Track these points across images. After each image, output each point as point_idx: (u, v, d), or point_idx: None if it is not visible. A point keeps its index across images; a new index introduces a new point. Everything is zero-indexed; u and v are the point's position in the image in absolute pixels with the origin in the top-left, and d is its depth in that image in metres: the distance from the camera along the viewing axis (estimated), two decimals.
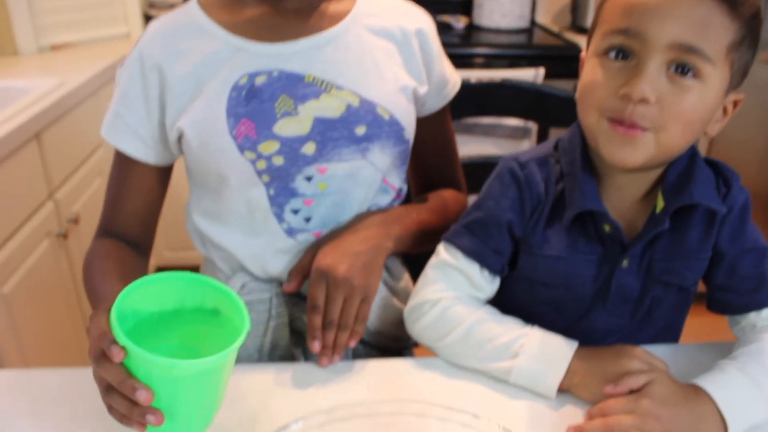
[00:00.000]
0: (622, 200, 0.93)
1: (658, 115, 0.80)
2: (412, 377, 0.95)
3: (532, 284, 1.00)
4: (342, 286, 0.93)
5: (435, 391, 0.91)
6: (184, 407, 0.75)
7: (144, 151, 1.01)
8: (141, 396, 0.69)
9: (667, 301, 0.97)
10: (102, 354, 0.70)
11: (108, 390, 0.72)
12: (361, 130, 0.99)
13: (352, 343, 0.95)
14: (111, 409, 0.74)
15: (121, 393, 0.71)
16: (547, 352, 0.90)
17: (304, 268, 1.01)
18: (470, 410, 0.80)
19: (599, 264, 0.95)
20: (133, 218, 1.05)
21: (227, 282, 1.08)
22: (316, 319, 0.94)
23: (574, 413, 0.87)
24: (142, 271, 1.04)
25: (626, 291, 0.95)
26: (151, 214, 1.07)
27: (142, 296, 0.75)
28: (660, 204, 0.90)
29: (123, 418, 0.73)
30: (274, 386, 0.91)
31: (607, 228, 0.92)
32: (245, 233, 1.04)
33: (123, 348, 0.68)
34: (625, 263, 0.93)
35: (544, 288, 0.99)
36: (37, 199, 1.73)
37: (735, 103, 0.87)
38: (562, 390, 0.89)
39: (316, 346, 0.94)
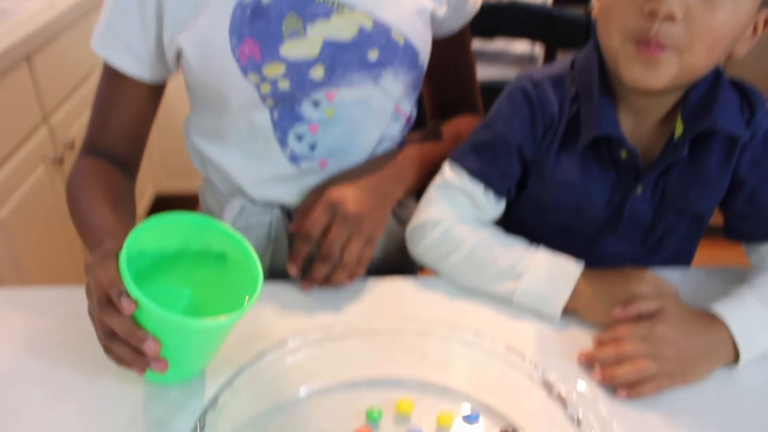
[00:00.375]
0: (639, 124, 0.89)
1: (685, 33, 0.76)
2: (413, 297, 0.93)
3: (541, 209, 0.97)
4: (350, 222, 0.90)
5: (437, 311, 0.90)
6: (190, 356, 0.74)
7: (137, 67, 0.95)
8: (149, 348, 0.67)
9: (680, 229, 0.95)
10: (108, 301, 0.68)
11: (110, 336, 0.70)
12: (373, 55, 0.93)
13: (347, 282, 0.92)
14: (110, 352, 0.72)
15: (125, 341, 0.69)
16: (552, 272, 0.88)
17: (312, 207, 0.97)
18: (473, 329, 0.78)
19: (612, 190, 0.92)
20: (121, 137, 1.00)
21: (226, 204, 1.06)
22: (302, 247, 0.92)
23: (579, 335, 0.86)
24: (130, 194, 1.00)
25: (638, 218, 0.93)
26: (140, 133, 1.02)
27: (147, 237, 0.72)
28: (679, 129, 0.86)
29: (122, 362, 0.71)
30: (271, 305, 0.90)
31: (623, 154, 0.88)
32: (246, 156, 1.00)
33: (134, 301, 0.66)
34: (639, 190, 0.90)
35: (554, 213, 0.96)
36: (30, 123, 1.69)
37: (766, 21, 0.82)
38: (567, 312, 0.88)
39: (293, 270, 0.93)
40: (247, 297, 0.72)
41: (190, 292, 0.80)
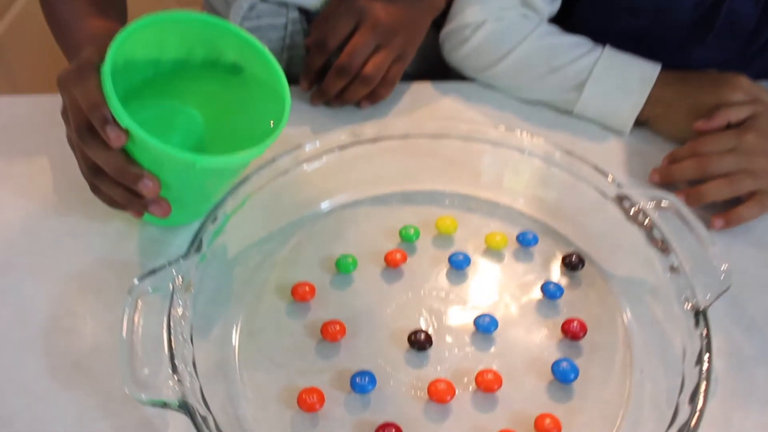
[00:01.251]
0: None
1: None
2: (455, 102, 0.79)
3: (611, 9, 0.80)
4: (379, 31, 0.73)
5: (483, 120, 0.75)
6: (198, 197, 0.59)
7: None
8: (146, 188, 0.52)
9: None
10: (89, 129, 0.51)
11: (95, 172, 0.54)
12: None
13: (366, 104, 0.77)
14: (97, 191, 0.57)
15: (114, 180, 0.54)
16: (623, 75, 0.73)
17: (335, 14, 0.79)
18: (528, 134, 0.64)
19: None
20: None
21: (233, 1, 0.87)
22: (317, 58, 0.76)
23: (652, 152, 0.72)
24: None
25: (738, 21, 0.75)
26: None
27: (138, 43, 0.54)
28: None
29: (113, 204, 0.57)
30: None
31: None
32: None
33: (124, 130, 0.50)
34: None
35: (627, 15, 0.79)
36: None
37: None
38: (639, 123, 0.74)
39: (304, 85, 0.78)
40: (272, 122, 0.56)
41: (194, 115, 0.63)
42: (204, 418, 0.44)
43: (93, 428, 0.49)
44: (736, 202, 0.64)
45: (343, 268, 0.59)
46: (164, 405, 0.44)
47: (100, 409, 0.50)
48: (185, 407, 0.44)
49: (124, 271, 0.60)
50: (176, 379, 0.45)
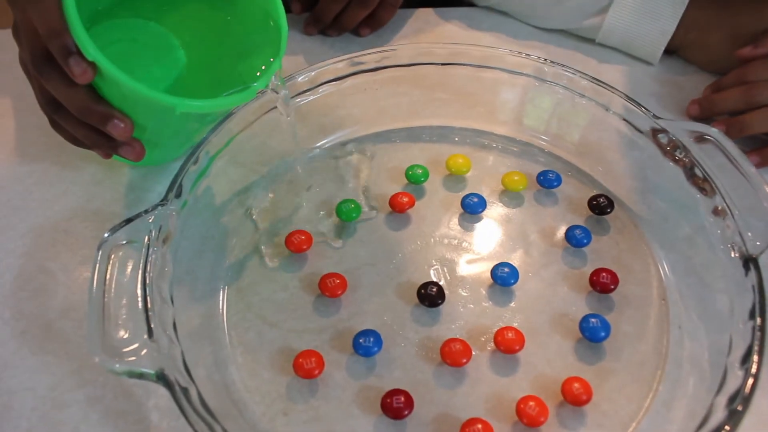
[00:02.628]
0: None
1: None
2: (466, 30, 0.72)
3: None
4: None
5: (493, 44, 0.68)
6: (172, 139, 0.53)
7: None
8: (117, 129, 0.45)
9: None
10: (47, 59, 0.43)
11: (56, 108, 0.48)
12: None
13: (366, 31, 0.69)
14: (57, 127, 0.50)
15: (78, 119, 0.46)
16: None
17: None
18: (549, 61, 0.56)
19: None
20: None
21: None
22: None
23: (687, 84, 0.65)
24: None
25: None
26: None
27: None
28: None
29: (77, 143, 0.50)
30: None
31: None
32: None
33: (91, 64, 0.42)
34: None
35: None
36: None
37: None
38: (670, 51, 0.66)
39: (297, 6, 0.71)
40: (263, 68, 0.48)
41: (174, 40, 0.55)
42: (185, 390, 0.38)
43: (66, 399, 0.44)
44: None
45: (344, 215, 0.53)
46: (141, 376, 0.38)
47: (74, 376, 0.45)
48: (163, 378, 0.38)
49: (100, 222, 0.54)
50: (153, 345, 0.39)
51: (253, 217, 0.53)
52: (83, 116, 0.45)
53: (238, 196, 0.54)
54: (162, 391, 0.38)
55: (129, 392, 0.44)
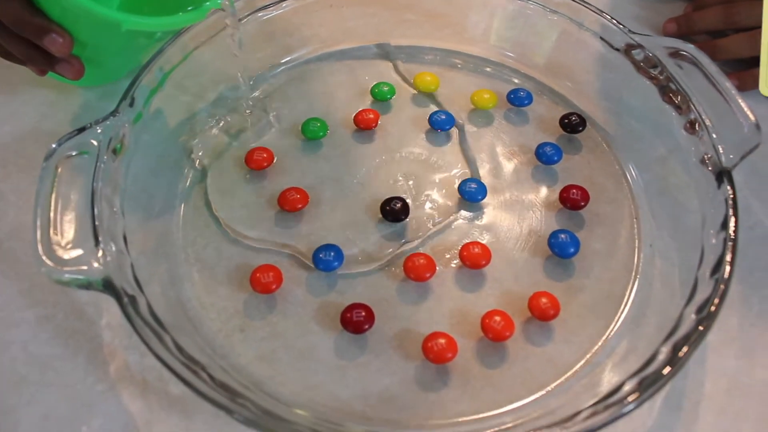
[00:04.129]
0: None
1: None
2: None
3: None
4: None
5: None
6: (116, 58, 0.49)
7: None
8: (54, 44, 0.42)
9: None
10: None
11: None
12: None
13: None
14: None
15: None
16: None
17: None
18: None
19: None
20: None
21: None
22: None
23: (660, 6, 0.63)
24: None
25: None
26: None
27: None
28: None
29: (10, 57, 0.46)
30: None
31: None
32: None
33: None
34: None
35: None
36: None
37: None
38: None
39: None
40: None
41: None
42: (132, 298, 0.36)
43: (16, 318, 0.42)
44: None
45: (310, 134, 0.51)
46: (88, 285, 0.36)
47: (24, 296, 0.43)
48: (110, 287, 0.36)
49: (53, 143, 0.51)
50: (100, 254, 0.37)
51: (214, 131, 0.51)
52: (18, 29, 0.42)
53: (198, 114, 0.52)
54: (114, 309, 0.36)
55: (80, 311, 0.42)
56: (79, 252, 0.37)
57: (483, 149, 0.51)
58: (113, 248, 0.38)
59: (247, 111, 0.52)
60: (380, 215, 0.46)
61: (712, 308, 0.36)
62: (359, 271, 0.44)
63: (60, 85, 0.53)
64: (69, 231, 0.37)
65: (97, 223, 0.38)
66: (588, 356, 0.41)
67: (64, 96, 0.54)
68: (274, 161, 0.49)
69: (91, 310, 0.42)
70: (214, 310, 0.42)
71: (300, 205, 0.46)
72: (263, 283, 0.42)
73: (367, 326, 0.40)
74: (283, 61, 0.56)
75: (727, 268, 0.38)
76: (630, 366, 0.37)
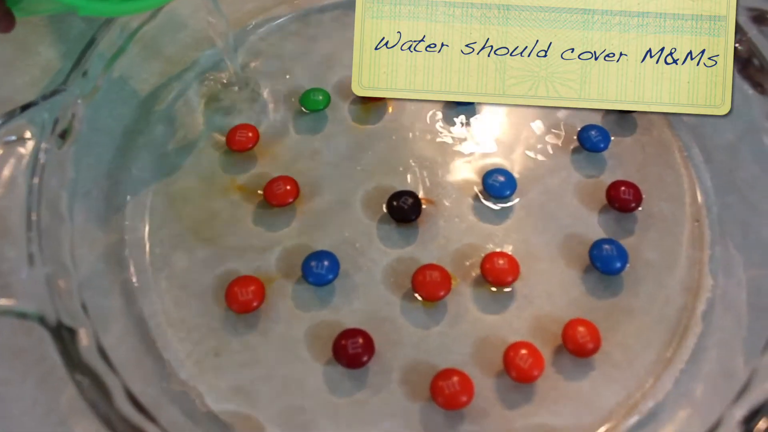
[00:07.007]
0: None
1: None
2: None
3: None
4: None
5: None
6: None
7: None
8: None
9: None
10: None
11: None
12: None
13: None
14: None
15: None
16: None
17: None
18: None
19: None
20: None
21: None
22: None
23: None
24: None
25: None
26: None
27: None
28: None
29: None
30: None
31: None
32: None
33: None
34: None
35: None
36: None
37: None
38: None
39: None
40: None
41: None
42: (72, 333, 0.29)
43: None
44: None
45: (310, 104, 0.42)
46: (23, 315, 0.30)
47: None
48: (42, 321, 0.29)
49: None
50: (35, 274, 0.30)
51: (190, 108, 0.43)
52: None
53: (170, 83, 0.43)
54: None
55: (28, 326, 0.36)
56: (10, 274, 0.30)
57: (514, 129, 0.42)
58: (50, 268, 0.31)
59: (233, 82, 0.44)
60: (386, 213, 0.38)
61: None
62: (358, 284, 0.36)
63: (15, 42, 0.45)
64: (6, 241, 0.31)
65: (36, 230, 0.31)
66: (631, 402, 0.33)
67: (22, 56, 0.45)
68: (259, 141, 0.41)
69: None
70: (185, 328, 0.35)
71: (290, 199, 0.38)
72: (241, 300, 0.35)
73: (365, 358, 0.33)
74: (270, 17, 0.47)
75: None
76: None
